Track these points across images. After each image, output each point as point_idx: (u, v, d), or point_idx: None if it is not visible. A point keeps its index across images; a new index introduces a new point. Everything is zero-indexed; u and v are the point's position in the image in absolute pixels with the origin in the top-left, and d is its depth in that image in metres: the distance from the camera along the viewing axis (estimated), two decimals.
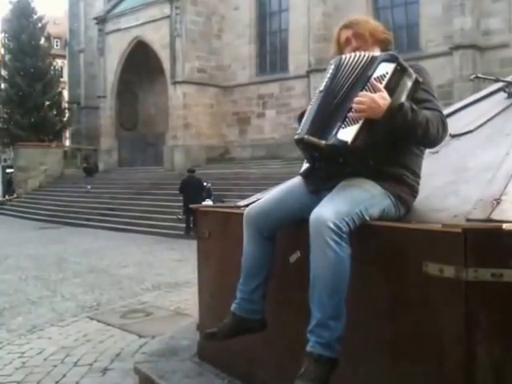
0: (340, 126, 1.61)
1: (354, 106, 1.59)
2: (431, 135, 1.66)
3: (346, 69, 1.70)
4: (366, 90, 1.61)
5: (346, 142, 1.59)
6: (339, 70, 1.71)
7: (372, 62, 1.65)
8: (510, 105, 2.54)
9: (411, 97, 1.64)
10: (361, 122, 1.60)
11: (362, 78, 1.65)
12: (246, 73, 18.15)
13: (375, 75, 1.62)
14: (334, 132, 1.62)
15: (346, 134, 1.60)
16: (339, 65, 1.71)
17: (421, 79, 1.66)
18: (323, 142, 1.63)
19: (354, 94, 1.62)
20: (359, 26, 1.81)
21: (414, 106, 1.62)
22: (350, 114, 1.61)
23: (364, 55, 1.69)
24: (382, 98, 1.57)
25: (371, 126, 1.59)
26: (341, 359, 1.56)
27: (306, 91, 15.97)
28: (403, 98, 1.61)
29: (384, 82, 1.60)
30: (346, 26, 1.83)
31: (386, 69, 1.62)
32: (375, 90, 1.59)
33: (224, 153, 18.64)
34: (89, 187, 17.08)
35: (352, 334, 1.62)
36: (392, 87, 1.60)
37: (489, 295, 1.41)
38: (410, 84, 1.63)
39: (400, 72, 1.62)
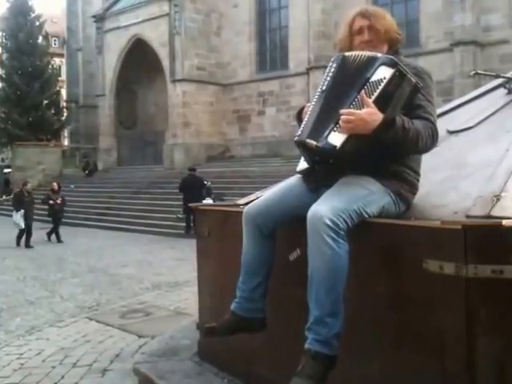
0: (332, 129, 1.60)
1: (342, 118, 1.55)
2: (419, 148, 1.67)
3: (348, 69, 1.66)
4: (357, 101, 1.57)
5: (334, 147, 1.58)
6: (342, 69, 1.68)
7: (371, 64, 1.62)
8: (510, 101, 2.52)
9: (409, 102, 1.62)
10: None
11: (360, 80, 1.61)
12: (246, 70, 18.13)
13: (373, 79, 1.59)
14: (325, 134, 1.61)
15: (337, 137, 1.59)
16: (342, 64, 1.68)
17: (421, 84, 1.62)
18: (315, 143, 1.63)
19: (350, 96, 1.59)
20: (377, 19, 1.76)
21: (406, 124, 1.59)
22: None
23: (364, 56, 1.65)
24: (371, 114, 1.54)
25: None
26: (342, 356, 1.55)
27: (305, 88, 15.96)
28: (399, 107, 1.59)
29: (380, 88, 1.57)
30: (363, 16, 1.78)
31: (384, 73, 1.59)
32: (364, 104, 1.56)
33: (224, 151, 18.62)
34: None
35: (353, 331, 1.61)
36: (389, 93, 1.57)
37: (489, 291, 1.41)
38: (408, 90, 1.60)
39: (399, 78, 1.58)
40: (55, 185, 11.85)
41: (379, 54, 1.65)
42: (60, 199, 11.31)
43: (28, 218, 10.31)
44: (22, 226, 10.08)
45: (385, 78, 1.58)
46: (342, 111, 1.56)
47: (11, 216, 13.10)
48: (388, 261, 1.63)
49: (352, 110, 1.56)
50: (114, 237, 11.20)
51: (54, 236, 10.96)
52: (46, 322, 4.48)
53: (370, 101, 1.56)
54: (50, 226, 13.26)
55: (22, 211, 10.30)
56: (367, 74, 1.60)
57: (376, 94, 1.58)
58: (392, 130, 1.57)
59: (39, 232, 12.43)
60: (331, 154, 1.60)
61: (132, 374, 2.75)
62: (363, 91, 1.58)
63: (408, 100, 1.62)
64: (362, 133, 1.56)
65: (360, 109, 1.56)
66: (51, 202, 11.14)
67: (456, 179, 1.93)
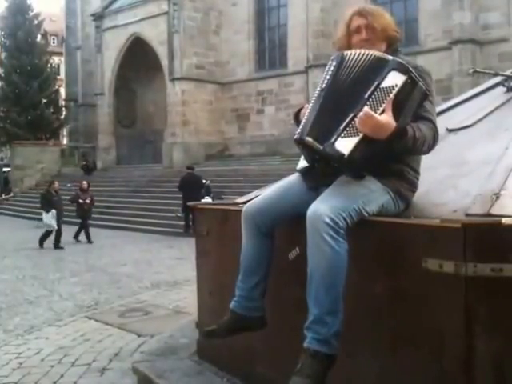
0: (339, 135, 1.58)
1: (357, 121, 1.53)
2: (422, 151, 1.69)
3: (349, 68, 1.65)
4: (372, 102, 1.55)
5: (342, 155, 1.56)
6: (342, 68, 1.66)
7: (380, 66, 1.59)
8: (509, 99, 2.52)
9: (418, 110, 1.62)
10: (361, 134, 1.55)
11: (368, 82, 1.58)
12: (245, 69, 18.12)
13: (384, 85, 1.56)
14: (332, 139, 1.58)
15: (345, 144, 1.56)
16: (342, 63, 1.67)
17: (429, 91, 1.61)
18: (320, 147, 1.60)
19: (358, 100, 1.57)
20: (374, 18, 1.76)
21: (417, 133, 1.58)
22: (352, 124, 1.56)
23: (369, 55, 1.63)
24: (388, 123, 1.52)
25: (371, 140, 1.55)
26: (340, 354, 1.55)
27: (304, 87, 15.96)
28: (410, 116, 1.58)
29: (392, 95, 1.54)
30: (360, 14, 1.78)
31: (395, 80, 1.55)
32: (386, 109, 1.53)
33: (223, 150, 18.63)
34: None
35: (352, 330, 1.61)
36: (400, 101, 1.54)
37: (488, 290, 1.40)
38: (418, 97, 1.58)
39: (410, 85, 1.56)
40: (85, 183, 10.96)
41: (390, 57, 1.62)
42: (89, 199, 10.62)
43: (59, 218, 9.81)
44: (55, 226, 9.60)
45: (396, 86, 1.55)
46: (364, 110, 1.52)
47: (11, 216, 13.02)
48: (387, 259, 1.63)
49: (372, 113, 1.52)
50: (113, 236, 11.19)
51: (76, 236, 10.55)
52: (44, 321, 4.47)
53: (390, 108, 1.53)
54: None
55: (54, 211, 9.78)
56: (376, 77, 1.57)
57: (387, 102, 1.54)
58: (403, 140, 1.56)
59: (36, 230, 12.41)
60: (339, 161, 1.58)
61: (131, 372, 2.75)
62: (373, 97, 1.55)
63: (417, 108, 1.61)
64: (373, 137, 1.54)
65: (375, 112, 1.53)
66: (80, 200, 10.47)
67: (455, 177, 1.93)
